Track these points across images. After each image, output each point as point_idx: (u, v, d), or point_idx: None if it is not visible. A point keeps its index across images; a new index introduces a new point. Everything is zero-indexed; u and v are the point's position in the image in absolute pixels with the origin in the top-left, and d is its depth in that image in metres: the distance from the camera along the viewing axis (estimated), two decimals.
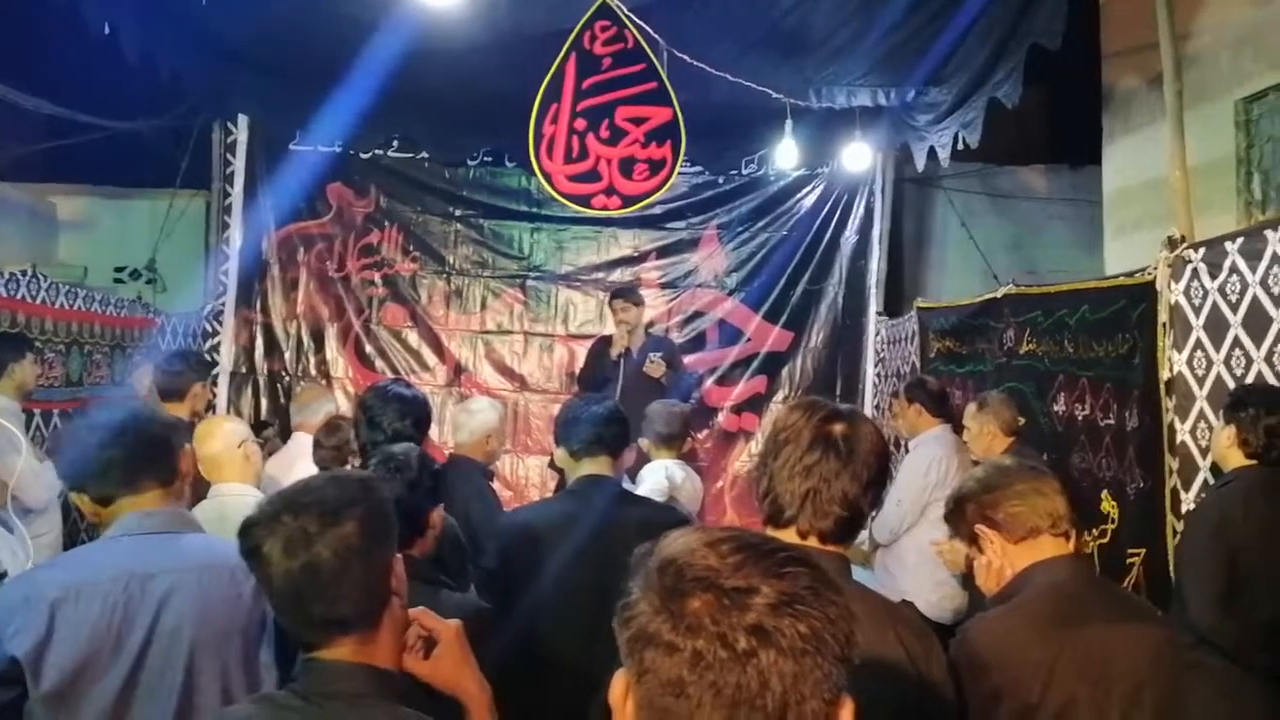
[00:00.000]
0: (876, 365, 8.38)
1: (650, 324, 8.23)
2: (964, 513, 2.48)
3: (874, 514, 5.77)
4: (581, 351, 8.18)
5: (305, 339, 8.43)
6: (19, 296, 5.47)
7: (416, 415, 3.50)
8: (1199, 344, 3.93)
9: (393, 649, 1.70)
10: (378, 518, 1.71)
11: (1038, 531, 2.37)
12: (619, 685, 1.08)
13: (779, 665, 1.00)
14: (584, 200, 6.59)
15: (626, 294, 7.28)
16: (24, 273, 5.55)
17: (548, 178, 6.48)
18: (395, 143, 8.45)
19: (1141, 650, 2.26)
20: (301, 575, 1.62)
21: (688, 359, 8.16)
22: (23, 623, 1.94)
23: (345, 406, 7.22)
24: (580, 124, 6.38)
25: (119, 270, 8.54)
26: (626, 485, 4.17)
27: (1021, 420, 5.03)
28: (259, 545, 1.64)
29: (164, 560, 2.04)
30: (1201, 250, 3.95)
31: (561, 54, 6.29)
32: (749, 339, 8.57)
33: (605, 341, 7.36)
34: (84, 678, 1.94)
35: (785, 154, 7.23)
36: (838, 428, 1.92)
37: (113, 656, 1.95)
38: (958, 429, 5.43)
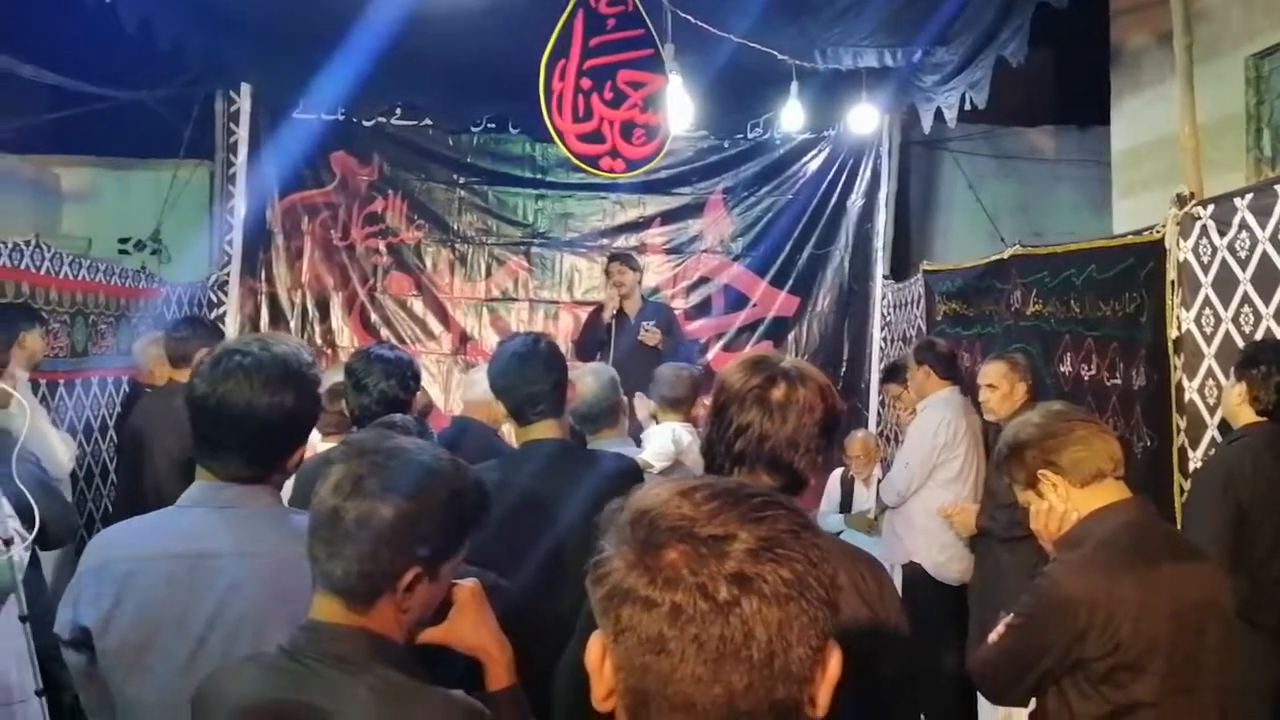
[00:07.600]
0: (883, 329, 8.35)
1: (655, 290, 8.21)
2: (1023, 459, 2.49)
3: (879, 477, 5.78)
4: None
5: (310, 308, 8.42)
6: (23, 267, 5.45)
7: (401, 375, 3.39)
8: (1207, 301, 3.90)
9: (393, 621, 1.63)
10: (423, 523, 1.62)
11: (1102, 475, 2.41)
12: (595, 648, 1.04)
13: (763, 613, 0.96)
14: (593, 161, 6.54)
15: (623, 258, 7.24)
16: (28, 243, 5.54)
17: (560, 135, 6.41)
18: (398, 110, 8.37)
19: (1209, 588, 2.36)
20: (325, 516, 1.60)
21: (694, 325, 8.15)
22: (96, 590, 1.90)
23: None
24: (586, 83, 6.32)
25: (123, 241, 8.49)
26: (630, 447, 4.17)
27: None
28: (332, 463, 1.65)
29: (233, 541, 1.93)
30: (1210, 207, 3.91)
31: (568, 9, 6.20)
32: (755, 304, 8.54)
33: (602, 309, 7.35)
34: (148, 651, 1.88)
35: (791, 117, 7.14)
36: (775, 392, 1.93)
37: (176, 635, 1.88)
38: (965, 391, 5.42)
